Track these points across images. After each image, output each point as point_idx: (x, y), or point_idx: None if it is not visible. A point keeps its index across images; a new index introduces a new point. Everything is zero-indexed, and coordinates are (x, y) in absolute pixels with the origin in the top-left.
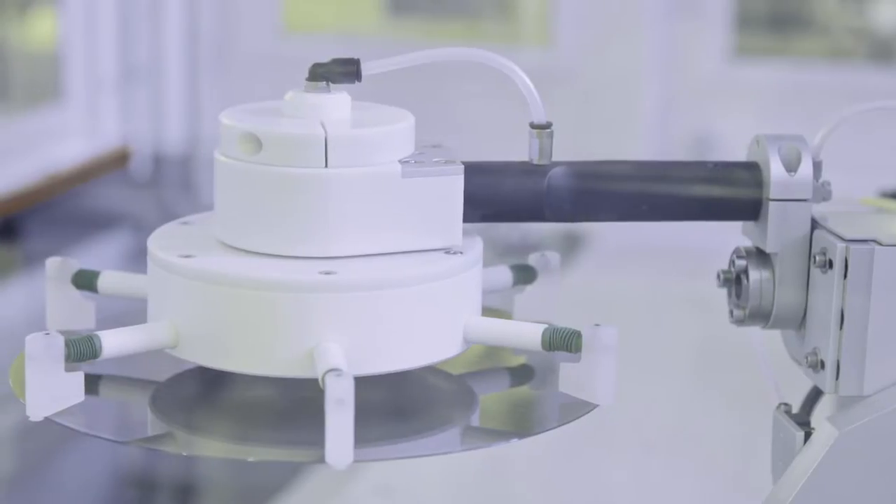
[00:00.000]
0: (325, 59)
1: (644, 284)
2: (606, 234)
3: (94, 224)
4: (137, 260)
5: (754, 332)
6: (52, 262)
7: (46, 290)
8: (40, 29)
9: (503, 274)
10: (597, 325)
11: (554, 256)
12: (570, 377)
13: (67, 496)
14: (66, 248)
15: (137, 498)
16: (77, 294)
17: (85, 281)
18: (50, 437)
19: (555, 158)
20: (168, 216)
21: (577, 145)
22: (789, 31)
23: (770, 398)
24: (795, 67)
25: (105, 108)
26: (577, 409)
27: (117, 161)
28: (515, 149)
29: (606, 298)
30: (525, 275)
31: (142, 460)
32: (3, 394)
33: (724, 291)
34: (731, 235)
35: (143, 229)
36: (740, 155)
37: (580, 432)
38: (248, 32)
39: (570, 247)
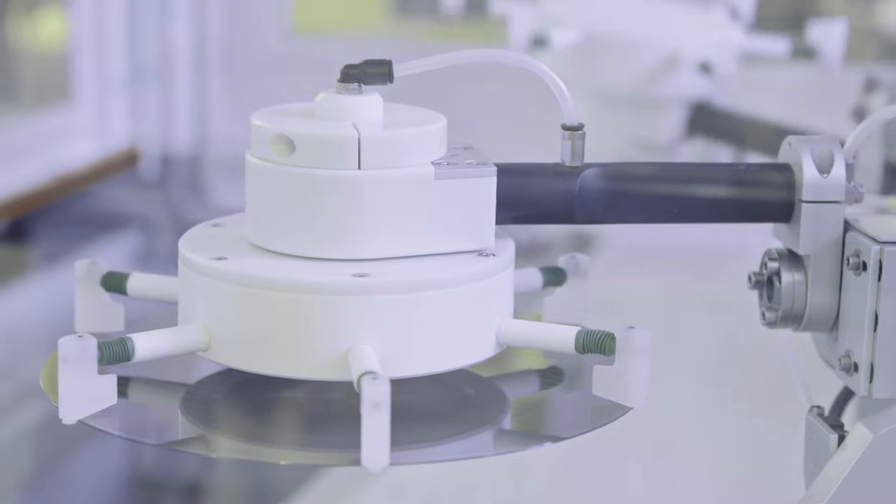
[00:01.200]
0: (335, 60)
1: (655, 285)
2: (616, 236)
3: (102, 225)
4: (146, 261)
5: (784, 334)
6: (81, 265)
7: (75, 293)
8: (48, 30)
9: (533, 276)
10: (630, 327)
11: (583, 259)
12: (604, 380)
13: (75, 498)
14: (74, 248)
15: (147, 499)
16: (106, 296)
17: (114, 283)
18: (54, 440)
19: (558, 158)
20: (177, 217)
21: (588, 146)
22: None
23: (789, 400)
24: (806, 67)
25: (114, 110)
26: (610, 411)
27: (126, 162)
28: (526, 150)
29: (618, 300)
30: (555, 277)
31: (150, 461)
32: (10, 395)
33: (735, 292)
34: (741, 236)
35: (151, 230)
36: (751, 155)
37: (596, 435)
38: (257, 34)
39: (580, 248)
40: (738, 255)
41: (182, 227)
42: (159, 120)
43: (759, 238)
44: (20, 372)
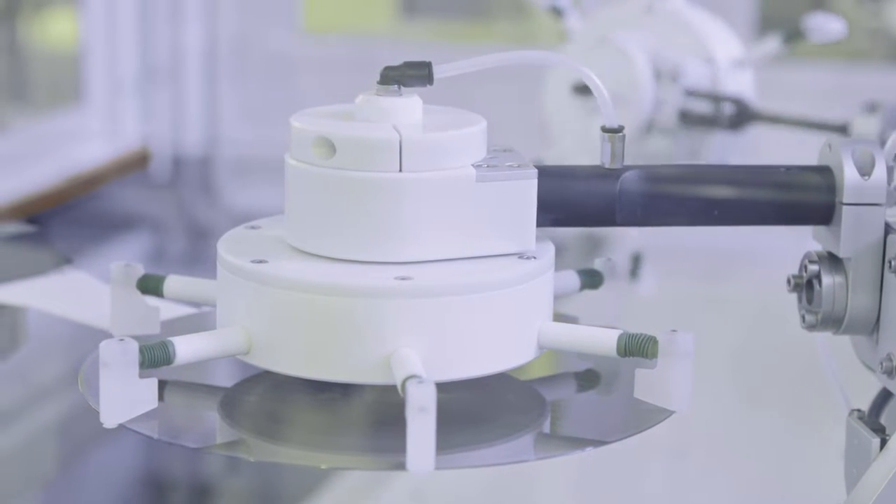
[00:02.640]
0: (345, 60)
1: (668, 286)
2: (628, 237)
3: (113, 225)
4: (157, 261)
5: (820, 337)
6: (116, 267)
7: (110, 295)
8: (60, 31)
9: (570, 278)
10: (673, 330)
11: (620, 262)
12: (646, 383)
13: (91, 498)
14: (86, 249)
15: (160, 499)
16: (141, 299)
17: (150, 286)
18: (66, 441)
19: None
20: (188, 218)
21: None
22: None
23: (816, 402)
24: (815, 69)
25: (125, 111)
26: (651, 415)
27: (137, 163)
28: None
29: (632, 301)
30: (592, 279)
31: (162, 462)
32: (22, 395)
33: (743, 294)
34: (752, 238)
35: (162, 231)
36: (763, 156)
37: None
38: (268, 34)
39: (592, 250)
40: (749, 257)
41: (193, 227)
42: (170, 121)
43: (775, 240)
44: (34, 372)
